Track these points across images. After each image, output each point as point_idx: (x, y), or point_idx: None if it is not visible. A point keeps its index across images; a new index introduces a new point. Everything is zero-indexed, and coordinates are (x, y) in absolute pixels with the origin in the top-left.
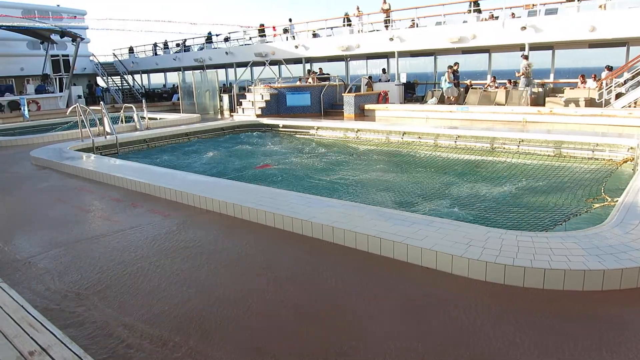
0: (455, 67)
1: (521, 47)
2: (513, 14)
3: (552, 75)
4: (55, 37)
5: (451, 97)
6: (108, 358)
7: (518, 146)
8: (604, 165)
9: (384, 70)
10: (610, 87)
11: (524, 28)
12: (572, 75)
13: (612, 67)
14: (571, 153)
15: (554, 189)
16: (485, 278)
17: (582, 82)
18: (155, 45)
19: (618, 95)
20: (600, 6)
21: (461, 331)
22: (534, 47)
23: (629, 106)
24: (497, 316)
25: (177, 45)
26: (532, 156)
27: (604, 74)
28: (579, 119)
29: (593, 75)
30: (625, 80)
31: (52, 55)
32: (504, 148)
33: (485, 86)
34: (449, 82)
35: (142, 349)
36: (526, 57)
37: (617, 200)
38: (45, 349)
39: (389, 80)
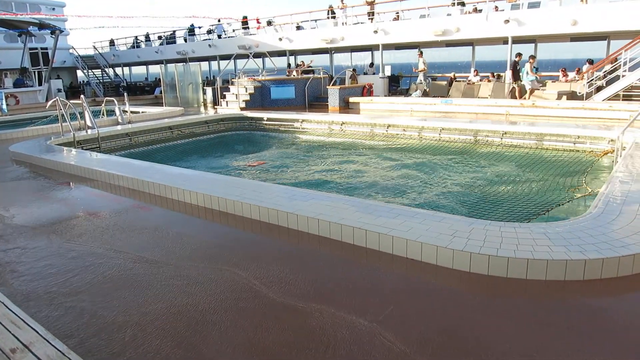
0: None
1: (504, 40)
2: (496, 7)
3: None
4: (33, 29)
5: (533, 91)
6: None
7: (501, 138)
8: (585, 157)
9: (371, 64)
10: (591, 80)
11: (507, 21)
12: (553, 67)
13: (593, 61)
14: (553, 145)
15: (537, 180)
16: (470, 269)
17: (563, 76)
18: (136, 38)
19: (599, 89)
20: (582, 0)
21: (445, 321)
22: (517, 40)
23: (609, 99)
24: (480, 306)
25: (159, 38)
26: (515, 148)
27: (585, 68)
28: (560, 112)
29: (577, 69)
30: (605, 74)
31: (30, 48)
32: (487, 140)
33: (468, 79)
34: (531, 75)
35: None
36: (421, 54)
37: (597, 191)
38: (28, 345)
39: (375, 74)
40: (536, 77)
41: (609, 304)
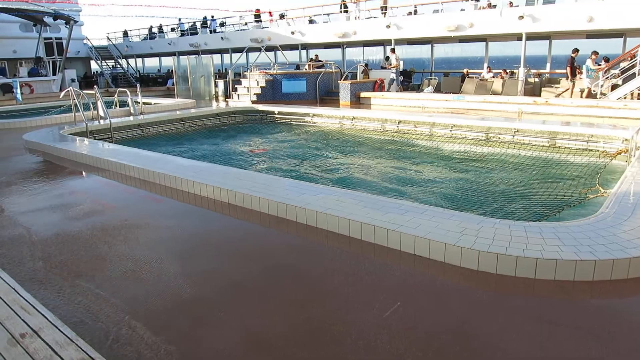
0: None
1: (518, 37)
2: (511, 2)
3: (548, 65)
4: (48, 19)
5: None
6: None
7: (513, 136)
8: (598, 156)
9: (387, 58)
10: (607, 78)
11: (521, 17)
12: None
13: (609, 58)
14: (566, 144)
15: (549, 180)
16: (478, 267)
17: (578, 73)
18: (150, 28)
19: (614, 87)
20: None
21: (452, 319)
22: (531, 36)
23: (624, 98)
24: (488, 305)
25: (173, 30)
26: (527, 146)
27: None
28: (574, 110)
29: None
30: (622, 71)
31: (45, 38)
32: (499, 138)
33: (481, 76)
34: (593, 70)
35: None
36: (393, 51)
37: (610, 192)
38: (37, 331)
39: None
40: (596, 66)
41: (618, 305)
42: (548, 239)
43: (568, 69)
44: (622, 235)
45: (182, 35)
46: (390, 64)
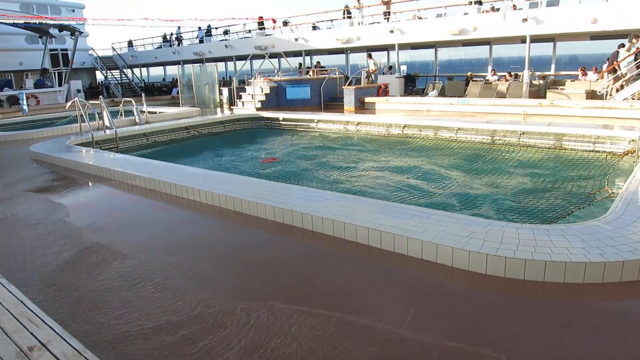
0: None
1: (522, 39)
2: (514, 5)
3: (553, 67)
4: (53, 31)
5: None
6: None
7: (519, 139)
8: (605, 157)
9: (390, 67)
10: (611, 79)
11: (525, 20)
12: (572, 63)
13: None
14: (572, 146)
15: (556, 182)
16: (486, 271)
17: (582, 75)
18: (165, 36)
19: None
20: None
21: (461, 323)
22: (535, 39)
23: (632, 98)
24: (496, 308)
25: (177, 38)
26: (533, 149)
27: (605, 66)
28: (580, 112)
29: (594, 68)
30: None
31: (50, 50)
32: (504, 140)
33: (485, 79)
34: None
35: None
36: (370, 56)
37: (618, 192)
38: (45, 344)
39: (392, 73)
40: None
41: (629, 307)
42: (556, 241)
43: (614, 63)
44: (631, 236)
45: (179, 43)
46: (369, 69)
